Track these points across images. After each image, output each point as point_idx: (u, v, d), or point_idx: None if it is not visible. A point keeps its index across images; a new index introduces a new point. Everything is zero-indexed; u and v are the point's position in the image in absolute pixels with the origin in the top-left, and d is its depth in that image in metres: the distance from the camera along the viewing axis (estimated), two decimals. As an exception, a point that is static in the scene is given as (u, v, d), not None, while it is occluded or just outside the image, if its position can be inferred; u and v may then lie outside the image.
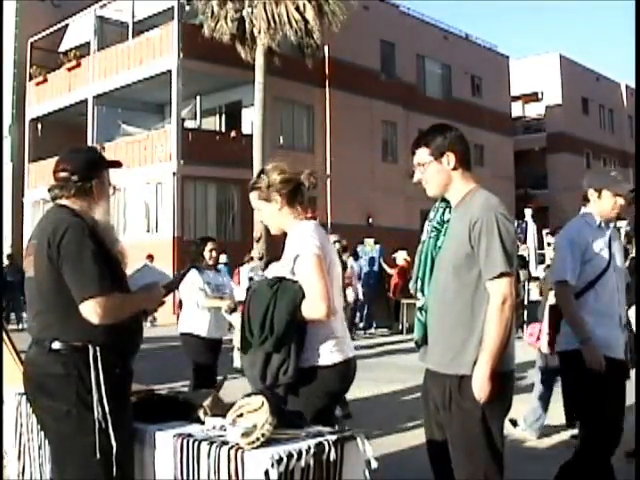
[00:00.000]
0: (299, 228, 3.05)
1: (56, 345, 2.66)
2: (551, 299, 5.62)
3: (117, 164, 3.04)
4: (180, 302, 19.87)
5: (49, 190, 2.88)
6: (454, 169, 2.88)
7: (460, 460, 2.83)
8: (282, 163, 3.19)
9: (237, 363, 5.91)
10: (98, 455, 2.59)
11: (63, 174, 2.82)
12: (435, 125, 3.03)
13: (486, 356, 2.72)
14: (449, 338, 2.84)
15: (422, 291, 2.95)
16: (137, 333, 2.92)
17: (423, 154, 2.92)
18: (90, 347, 2.65)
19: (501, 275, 2.73)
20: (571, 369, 3.71)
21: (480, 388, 2.73)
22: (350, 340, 3.18)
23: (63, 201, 2.83)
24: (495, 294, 2.74)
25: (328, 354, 2.95)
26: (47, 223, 2.77)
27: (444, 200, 2.97)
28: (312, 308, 2.86)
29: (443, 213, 2.95)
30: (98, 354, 2.66)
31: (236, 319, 5.67)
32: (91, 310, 2.61)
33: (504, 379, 2.80)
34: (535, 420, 5.84)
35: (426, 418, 3.04)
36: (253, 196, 3.15)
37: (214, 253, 6.10)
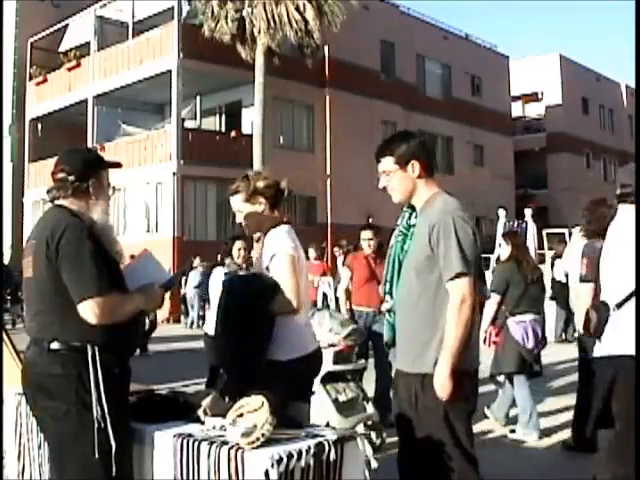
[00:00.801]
0: (276, 230, 3.33)
1: (55, 345, 2.66)
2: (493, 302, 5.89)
3: (116, 165, 3.05)
4: (179, 301, 19.73)
5: (48, 191, 2.89)
6: (419, 177, 2.99)
7: (432, 459, 2.88)
8: (264, 172, 3.53)
9: None
10: (97, 455, 2.59)
11: (61, 175, 2.83)
12: (398, 133, 3.17)
13: (446, 355, 2.79)
14: (414, 338, 2.93)
15: (390, 294, 3.06)
16: (135, 334, 2.93)
17: (388, 162, 3.02)
18: (89, 347, 2.66)
19: (458, 275, 2.81)
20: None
21: (441, 386, 2.79)
22: (313, 333, 3.46)
23: (61, 201, 2.84)
24: (454, 294, 2.82)
25: (289, 349, 3.16)
26: (45, 223, 2.78)
27: (410, 206, 3.08)
28: (284, 302, 3.11)
29: (409, 218, 3.07)
30: (97, 354, 2.66)
31: None
32: (89, 310, 2.61)
33: (466, 378, 2.86)
34: (528, 421, 5.81)
35: (396, 418, 3.12)
36: (237, 199, 3.39)
37: (243, 252, 5.97)
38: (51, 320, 2.70)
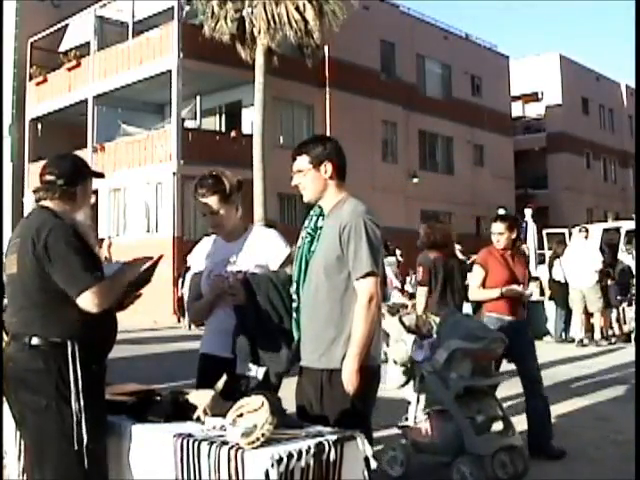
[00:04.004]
0: (266, 231, 3.53)
1: (35, 341, 2.76)
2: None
3: (99, 175, 3.17)
4: (178, 301, 19.68)
5: (34, 191, 3.01)
6: (330, 178, 3.11)
7: None
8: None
9: (393, 381, 4.75)
10: (76, 446, 2.70)
11: (49, 177, 2.96)
12: (316, 136, 3.36)
13: (354, 350, 2.91)
14: (320, 335, 3.02)
15: (297, 293, 3.14)
16: (112, 332, 3.00)
17: (303, 161, 3.13)
18: (69, 343, 2.76)
19: (367, 275, 2.94)
20: None
21: (349, 380, 2.91)
22: None
23: (47, 203, 2.95)
24: (362, 293, 2.94)
25: None
26: (30, 223, 2.91)
27: (318, 208, 3.18)
28: None
29: (316, 221, 3.16)
30: (77, 350, 2.76)
31: (391, 326, 4.84)
32: (89, 301, 2.73)
33: (371, 374, 3.00)
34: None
35: (298, 410, 3.13)
36: (213, 200, 3.36)
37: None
38: (33, 316, 2.80)
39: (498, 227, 5.45)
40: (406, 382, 4.80)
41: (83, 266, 2.76)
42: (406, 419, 4.84)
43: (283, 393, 3.11)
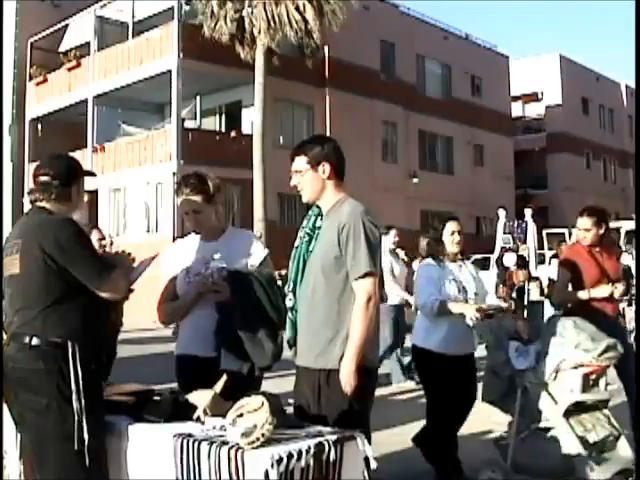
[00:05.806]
0: (244, 233, 3.63)
1: (36, 341, 2.78)
2: None
3: (91, 174, 3.22)
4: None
5: (29, 193, 3.01)
6: (328, 178, 3.12)
7: None
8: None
9: (491, 393, 4.32)
10: (77, 446, 2.71)
11: (44, 178, 2.95)
12: (315, 136, 3.35)
13: (352, 351, 2.92)
14: (317, 335, 3.03)
15: (294, 292, 3.15)
16: (106, 332, 3.12)
17: (301, 162, 3.14)
18: (69, 343, 2.78)
19: (366, 275, 2.95)
20: None
21: (347, 380, 2.92)
22: None
23: (44, 204, 2.95)
24: (360, 293, 2.95)
25: None
26: (31, 224, 2.90)
27: (317, 208, 3.19)
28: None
29: (315, 220, 3.17)
30: (77, 350, 2.78)
31: (488, 331, 4.42)
32: (115, 288, 2.85)
33: (368, 374, 3.03)
34: None
35: (296, 410, 3.15)
36: (197, 199, 3.36)
37: (457, 237, 4.51)
38: (34, 316, 2.81)
39: (585, 222, 4.79)
40: (506, 394, 4.25)
41: (99, 257, 2.91)
42: (502, 437, 4.38)
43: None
